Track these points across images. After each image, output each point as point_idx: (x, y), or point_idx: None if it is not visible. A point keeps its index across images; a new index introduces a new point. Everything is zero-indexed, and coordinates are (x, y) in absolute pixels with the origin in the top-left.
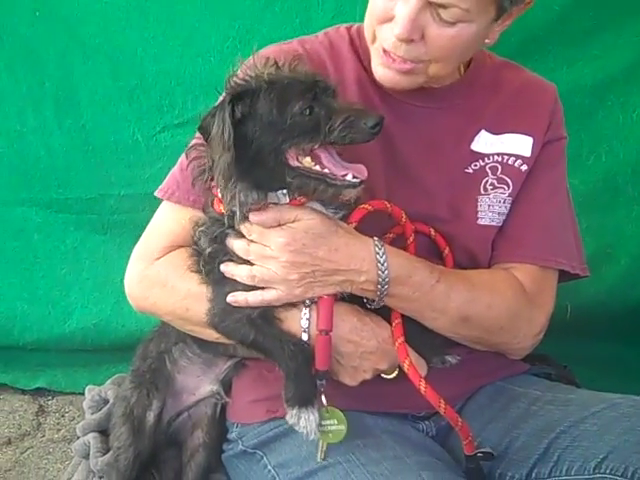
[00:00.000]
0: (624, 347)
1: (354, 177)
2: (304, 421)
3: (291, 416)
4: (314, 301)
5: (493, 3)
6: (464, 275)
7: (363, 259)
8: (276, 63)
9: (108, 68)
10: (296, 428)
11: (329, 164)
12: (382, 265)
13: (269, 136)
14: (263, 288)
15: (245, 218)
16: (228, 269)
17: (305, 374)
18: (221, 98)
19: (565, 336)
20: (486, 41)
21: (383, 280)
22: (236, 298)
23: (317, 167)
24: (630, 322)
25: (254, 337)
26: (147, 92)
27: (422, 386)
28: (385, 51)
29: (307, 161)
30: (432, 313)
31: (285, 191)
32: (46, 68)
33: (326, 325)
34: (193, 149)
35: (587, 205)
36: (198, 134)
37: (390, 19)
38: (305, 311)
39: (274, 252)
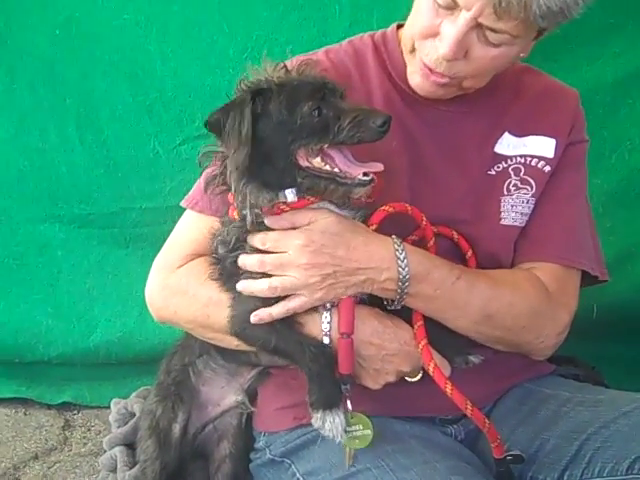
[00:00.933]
0: None
1: (364, 175)
2: (329, 424)
3: (316, 419)
4: (334, 304)
5: (537, 26)
6: (485, 273)
7: (383, 257)
8: (285, 67)
9: (127, 84)
10: (322, 432)
11: (341, 163)
12: (402, 262)
13: (279, 136)
14: (284, 297)
15: (258, 222)
16: (245, 286)
17: (328, 377)
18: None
19: (592, 337)
20: (521, 55)
21: (404, 277)
22: (260, 316)
23: (327, 167)
24: None
25: (275, 342)
26: (166, 106)
27: (448, 388)
28: (425, 64)
29: (317, 161)
30: (454, 312)
31: (294, 189)
32: (67, 86)
33: (347, 328)
34: (205, 156)
35: (611, 204)
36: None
37: (434, 35)
38: (326, 314)
39: (292, 256)
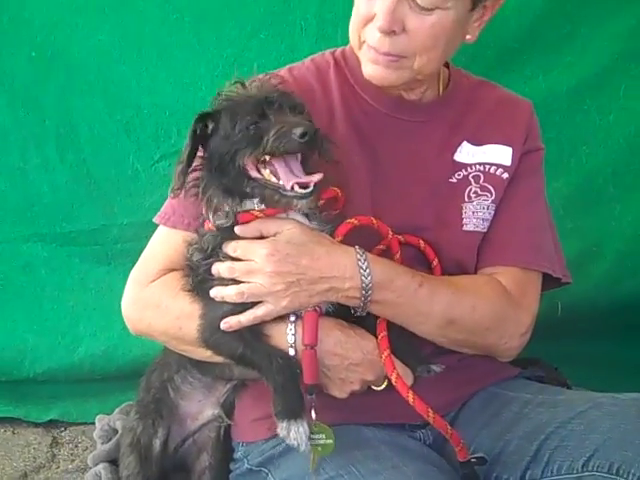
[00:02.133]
0: (614, 345)
1: (302, 187)
2: (294, 433)
3: (282, 429)
4: (299, 317)
5: None
6: (446, 279)
7: (345, 266)
8: (241, 83)
9: (104, 103)
10: (287, 441)
11: (282, 174)
12: (365, 271)
13: (225, 147)
14: (252, 306)
15: (228, 229)
16: (217, 292)
17: (293, 388)
18: None
19: (556, 336)
20: (467, 37)
21: (367, 286)
22: (230, 323)
23: (274, 179)
24: (618, 320)
25: (242, 351)
26: (143, 124)
27: (410, 397)
28: (371, 47)
29: (267, 173)
30: (417, 317)
31: (255, 200)
32: (46, 107)
33: (311, 340)
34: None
35: (571, 206)
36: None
37: (372, 18)
38: (291, 327)
39: (259, 264)
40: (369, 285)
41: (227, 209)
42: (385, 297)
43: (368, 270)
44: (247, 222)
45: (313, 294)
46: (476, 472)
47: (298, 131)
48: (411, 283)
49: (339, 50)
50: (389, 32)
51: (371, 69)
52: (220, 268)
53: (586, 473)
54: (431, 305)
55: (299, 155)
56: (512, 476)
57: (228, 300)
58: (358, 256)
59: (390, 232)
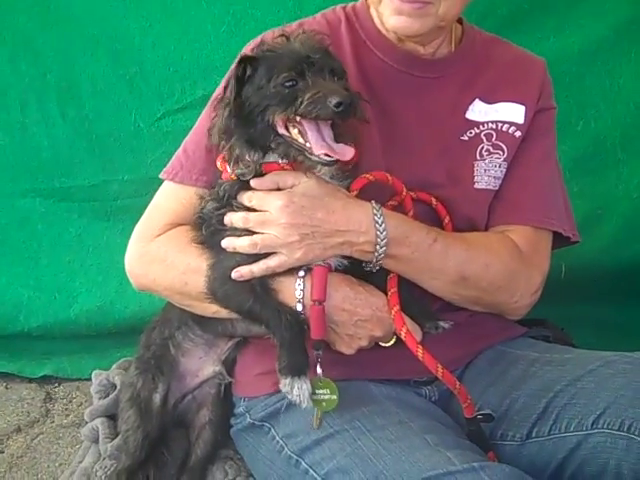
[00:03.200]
0: (618, 308)
1: (327, 155)
2: (297, 390)
3: (284, 385)
4: (308, 272)
5: None
6: (461, 236)
7: (361, 220)
8: (285, 35)
9: (108, 58)
10: (289, 397)
11: (312, 138)
12: (380, 226)
13: (257, 100)
14: (265, 257)
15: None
16: (229, 242)
17: (299, 345)
18: None
19: (561, 298)
20: None
21: (382, 240)
22: (241, 272)
23: (301, 140)
24: (623, 282)
25: (252, 304)
26: (146, 80)
27: (420, 352)
28: None
29: (295, 132)
30: (430, 273)
31: (277, 156)
32: (47, 61)
33: (319, 295)
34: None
35: (578, 169)
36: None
37: None
38: (299, 282)
39: (273, 215)
40: (384, 240)
41: (249, 160)
42: (399, 252)
43: (384, 225)
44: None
45: (327, 247)
46: (482, 429)
47: (334, 100)
48: (425, 239)
49: (350, 5)
50: None
51: (395, 20)
52: (233, 218)
53: (595, 430)
54: (445, 261)
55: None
56: (518, 433)
57: (240, 251)
58: (374, 211)
59: (404, 190)
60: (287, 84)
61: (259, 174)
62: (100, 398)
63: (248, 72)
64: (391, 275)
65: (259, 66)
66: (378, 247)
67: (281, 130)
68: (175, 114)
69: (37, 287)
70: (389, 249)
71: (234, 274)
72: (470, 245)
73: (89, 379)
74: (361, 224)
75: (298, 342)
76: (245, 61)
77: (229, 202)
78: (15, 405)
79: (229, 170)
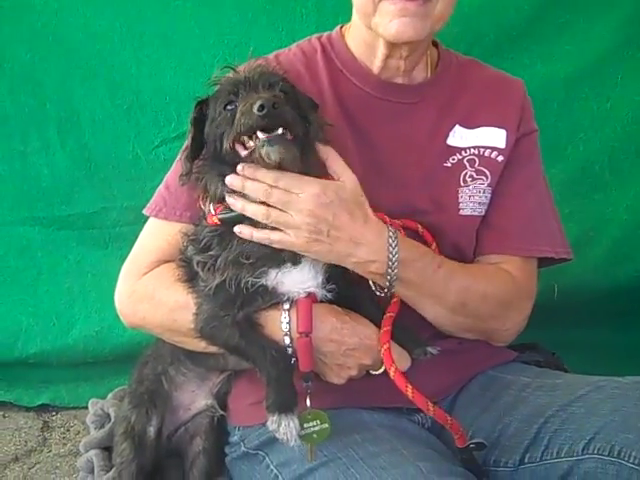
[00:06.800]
0: (610, 332)
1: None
2: (284, 427)
3: (272, 422)
4: (293, 304)
5: None
6: (462, 265)
7: (375, 240)
8: (231, 67)
9: (106, 88)
10: (276, 435)
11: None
12: (393, 249)
13: (213, 132)
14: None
15: (223, 231)
16: (241, 204)
17: (286, 381)
18: None
19: (553, 322)
20: None
21: (393, 263)
22: (243, 231)
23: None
24: (615, 305)
25: (237, 341)
26: (144, 109)
27: (409, 391)
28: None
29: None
30: (432, 299)
31: None
32: (47, 91)
33: (305, 327)
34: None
35: (568, 192)
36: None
37: None
38: (285, 315)
39: (302, 198)
40: (395, 263)
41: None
42: (407, 276)
43: (397, 248)
44: None
45: (332, 250)
46: (475, 457)
47: (256, 105)
48: (431, 264)
49: (325, 35)
50: None
51: (397, 24)
52: (254, 186)
53: (586, 456)
54: (447, 287)
55: (282, 130)
56: (511, 459)
57: (249, 214)
58: (390, 233)
59: (387, 219)
60: (228, 107)
61: (240, 218)
62: (95, 428)
63: (206, 112)
64: (386, 316)
65: (209, 102)
66: (390, 270)
67: (242, 152)
68: (172, 142)
69: (35, 314)
70: (399, 271)
71: (236, 229)
72: (471, 274)
73: (86, 407)
74: (374, 244)
75: (284, 378)
76: (199, 104)
77: (209, 249)
78: (12, 434)
79: (212, 211)
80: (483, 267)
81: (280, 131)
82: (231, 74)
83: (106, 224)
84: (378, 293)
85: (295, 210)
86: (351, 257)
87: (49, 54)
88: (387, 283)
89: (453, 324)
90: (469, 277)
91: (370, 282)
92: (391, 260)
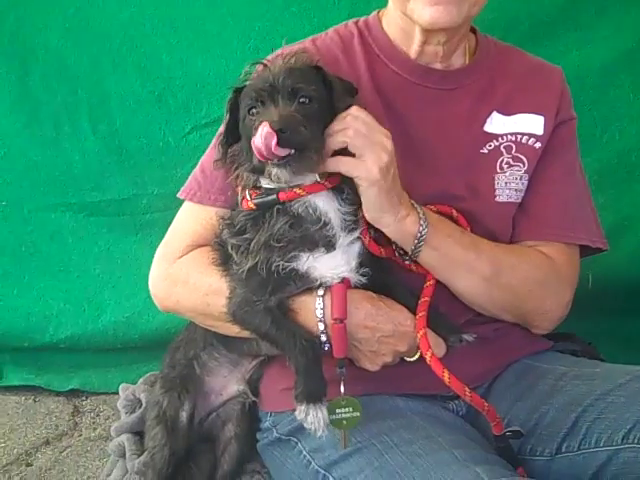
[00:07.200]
0: None
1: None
2: (312, 417)
3: (300, 412)
4: (327, 291)
5: None
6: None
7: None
8: (264, 64)
9: (136, 75)
10: (304, 424)
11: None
12: (420, 209)
13: (243, 128)
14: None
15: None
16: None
17: (315, 371)
18: None
19: (588, 312)
20: None
21: (424, 222)
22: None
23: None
24: None
25: (269, 327)
26: (175, 95)
27: (446, 376)
28: None
29: None
30: (465, 266)
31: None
32: (78, 78)
33: (340, 313)
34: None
35: (603, 181)
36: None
37: None
38: (319, 301)
39: (384, 143)
40: (425, 221)
41: (265, 185)
42: (436, 238)
43: (423, 209)
44: (290, 200)
45: (390, 191)
46: (511, 445)
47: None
48: (456, 229)
49: (362, 20)
50: None
51: (431, 11)
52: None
53: (626, 445)
54: (478, 252)
55: (293, 152)
56: (547, 448)
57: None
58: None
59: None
60: (252, 111)
61: (276, 202)
62: (127, 413)
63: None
64: (422, 300)
65: (241, 98)
66: (421, 228)
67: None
68: (203, 129)
69: (66, 299)
70: (428, 233)
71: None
72: (502, 247)
73: (116, 392)
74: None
75: (314, 368)
76: (236, 91)
77: (244, 231)
78: (43, 418)
79: (248, 197)
80: (517, 246)
81: (292, 151)
82: (260, 69)
83: (136, 211)
84: (406, 260)
85: (378, 137)
86: (399, 206)
87: (80, 41)
88: (415, 241)
89: (489, 299)
90: (500, 249)
91: (395, 252)
92: (421, 219)
